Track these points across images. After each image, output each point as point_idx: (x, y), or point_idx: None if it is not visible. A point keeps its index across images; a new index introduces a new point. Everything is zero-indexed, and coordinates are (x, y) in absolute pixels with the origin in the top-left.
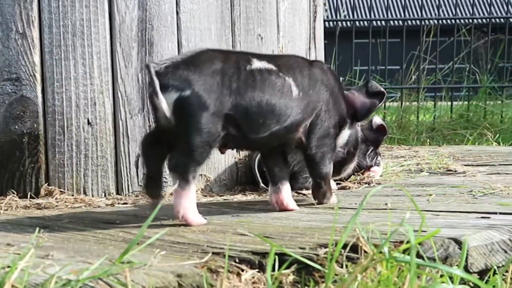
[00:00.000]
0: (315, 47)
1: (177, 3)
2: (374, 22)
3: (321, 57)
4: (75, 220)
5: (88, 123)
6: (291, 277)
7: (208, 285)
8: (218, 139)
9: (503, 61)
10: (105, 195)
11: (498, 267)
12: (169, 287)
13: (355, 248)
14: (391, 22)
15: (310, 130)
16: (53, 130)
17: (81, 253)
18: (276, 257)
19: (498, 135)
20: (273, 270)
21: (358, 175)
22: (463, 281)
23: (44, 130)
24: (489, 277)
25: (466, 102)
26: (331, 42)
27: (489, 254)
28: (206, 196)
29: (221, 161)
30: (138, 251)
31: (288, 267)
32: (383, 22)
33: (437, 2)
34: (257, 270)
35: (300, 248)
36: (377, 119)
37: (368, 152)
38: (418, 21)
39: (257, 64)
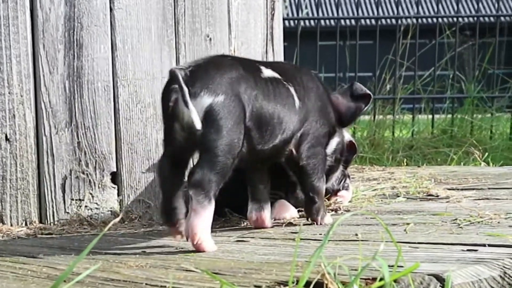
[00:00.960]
0: (273, 49)
1: None
2: (343, 21)
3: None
4: None
5: (6, 139)
6: None
7: None
8: (239, 151)
9: (492, 67)
10: (26, 224)
11: None
12: None
13: (319, 286)
14: (362, 21)
15: (300, 141)
16: None
17: None
18: None
19: (487, 153)
20: None
21: (324, 200)
22: None
23: None
24: None
25: (449, 115)
26: (292, 44)
27: None
28: (145, 225)
29: None
30: None
31: None
32: (352, 21)
33: None
34: None
35: (256, 286)
36: (345, 135)
37: (335, 174)
38: (393, 20)
39: (266, 72)
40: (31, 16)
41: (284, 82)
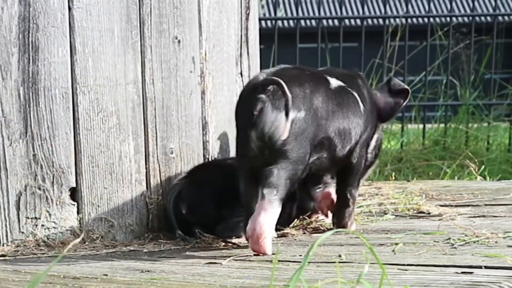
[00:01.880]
0: (247, 53)
1: None
2: (325, 21)
3: (255, 65)
4: None
5: None
6: None
7: None
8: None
9: (489, 71)
10: None
11: None
12: None
13: None
14: (346, 21)
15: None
16: None
17: None
18: None
19: (483, 167)
20: None
21: (304, 218)
22: None
23: None
24: None
25: (442, 125)
26: (269, 46)
27: None
28: (107, 246)
29: (127, 201)
30: None
31: None
32: (335, 21)
33: None
34: None
35: None
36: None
37: (316, 190)
38: (380, 20)
39: (332, 82)
40: None
41: (349, 89)
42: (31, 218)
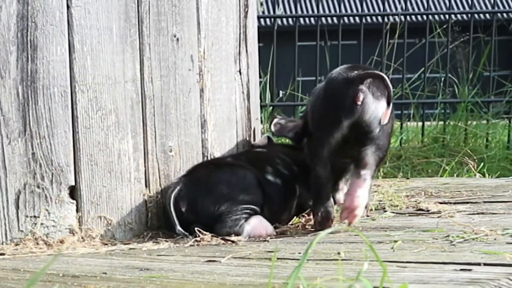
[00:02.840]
0: (246, 51)
1: None
2: (323, 19)
3: (254, 63)
4: None
5: None
6: None
7: None
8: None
9: (488, 69)
10: None
11: None
12: None
13: None
14: (345, 18)
15: None
16: None
17: None
18: None
19: (482, 164)
20: None
21: (303, 216)
22: None
23: None
24: None
25: (441, 122)
26: (268, 44)
27: None
28: (106, 244)
29: (126, 199)
30: None
31: None
32: (334, 18)
33: None
34: None
35: None
36: None
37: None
38: (379, 18)
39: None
40: None
41: None
42: (30, 217)
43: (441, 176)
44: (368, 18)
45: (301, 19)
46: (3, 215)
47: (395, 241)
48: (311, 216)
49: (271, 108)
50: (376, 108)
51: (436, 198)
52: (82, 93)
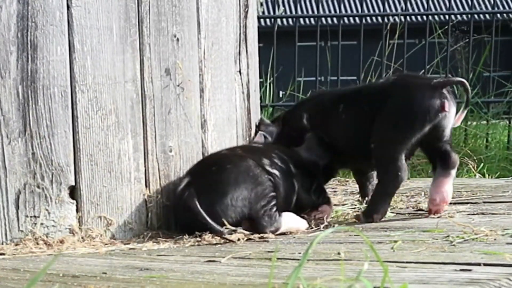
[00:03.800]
0: (246, 51)
1: None
2: (324, 19)
3: (254, 63)
4: None
5: None
6: None
7: None
8: None
9: (488, 69)
10: None
11: None
12: None
13: None
14: (345, 19)
15: None
16: None
17: None
18: None
19: (482, 164)
20: None
21: (303, 216)
22: None
23: None
24: None
25: None
26: (268, 44)
27: None
28: (106, 244)
29: (126, 199)
30: None
31: None
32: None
33: None
34: None
35: None
36: None
37: (313, 186)
38: (379, 18)
39: None
40: None
41: None
42: (30, 217)
43: None
44: (368, 18)
45: (301, 20)
46: (3, 215)
47: (395, 241)
48: (311, 216)
49: (271, 108)
50: (453, 113)
51: None
52: (82, 93)
